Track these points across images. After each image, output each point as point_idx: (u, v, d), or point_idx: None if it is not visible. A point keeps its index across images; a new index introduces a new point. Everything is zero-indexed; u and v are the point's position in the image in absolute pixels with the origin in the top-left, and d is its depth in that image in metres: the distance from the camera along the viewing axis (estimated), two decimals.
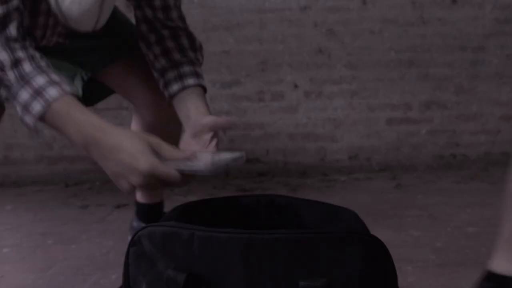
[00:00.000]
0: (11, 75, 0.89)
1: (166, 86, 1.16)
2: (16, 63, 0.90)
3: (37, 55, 0.93)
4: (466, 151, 2.95)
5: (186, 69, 1.15)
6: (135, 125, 1.41)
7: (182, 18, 1.22)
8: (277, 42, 2.86)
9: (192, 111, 1.09)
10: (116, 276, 1.48)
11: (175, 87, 1.14)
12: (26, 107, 0.88)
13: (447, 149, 2.95)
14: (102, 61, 0.97)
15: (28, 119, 0.89)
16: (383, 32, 2.86)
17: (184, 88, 1.13)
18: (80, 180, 2.82)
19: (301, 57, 2.87)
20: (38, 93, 0.87)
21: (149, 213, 1.51)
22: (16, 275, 1.53)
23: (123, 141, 0.84)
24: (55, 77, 0.90)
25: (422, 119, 2.93)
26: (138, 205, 1.53)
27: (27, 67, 0.90)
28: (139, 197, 1.51)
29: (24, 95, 0.88)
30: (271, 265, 0.66)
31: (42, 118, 0.88)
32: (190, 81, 1.14)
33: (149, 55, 1.20)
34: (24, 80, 0.89)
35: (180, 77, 1.14)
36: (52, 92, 0.87)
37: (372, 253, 0.69)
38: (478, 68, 2.90)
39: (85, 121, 0.86)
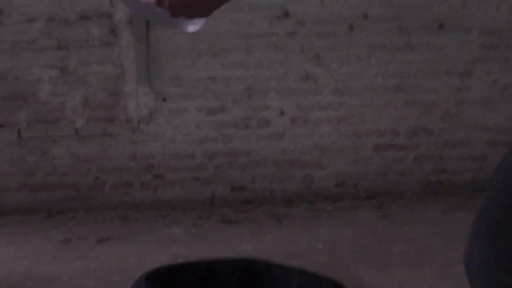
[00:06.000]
0: None
1: None
2: None
3: None
4: (453, 177, 2.94)
5: None
6: None
7: None
8: (264, 68, 2.83)
9: None
10: None
11: None
12: None
13: (434, 176, 2.94)
14: None
15: None
16: (370, 57, 2.85)
17: None
18: (63, 209, 2.77)
19: (288, 83, 2.84)
20: None
21: None
22: None
23: None
24: None
25: (409, 145, 2.92)
26: None
27: None
28: None
29: None
30: None
31: None
32: None
33: None
34: None
35: None
36: None
37: None
38: (464, 93, 2.90)
39: None
